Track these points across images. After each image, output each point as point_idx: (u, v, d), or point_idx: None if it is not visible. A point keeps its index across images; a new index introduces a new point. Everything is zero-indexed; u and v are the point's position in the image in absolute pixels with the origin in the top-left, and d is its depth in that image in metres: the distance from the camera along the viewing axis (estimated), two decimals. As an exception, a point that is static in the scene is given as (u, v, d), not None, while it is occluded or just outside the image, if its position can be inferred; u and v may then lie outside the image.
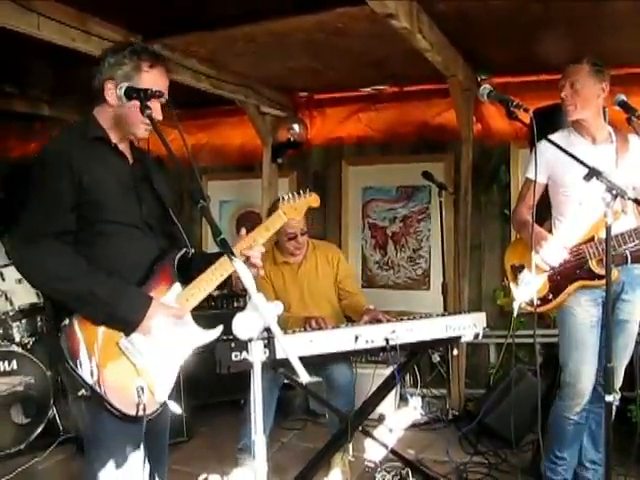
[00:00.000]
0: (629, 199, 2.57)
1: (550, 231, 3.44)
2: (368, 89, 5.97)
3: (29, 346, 5.03)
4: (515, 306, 3.44)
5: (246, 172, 6.71)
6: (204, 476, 4.08)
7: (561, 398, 3.46)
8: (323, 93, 6.27)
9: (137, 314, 2.25)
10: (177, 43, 4.51)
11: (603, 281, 3.19)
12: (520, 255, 3.52)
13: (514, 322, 4.25)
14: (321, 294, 4.25)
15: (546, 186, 3.50)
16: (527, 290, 3.41)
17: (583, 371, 3.33)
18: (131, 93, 2.28)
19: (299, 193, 2.74)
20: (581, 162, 2.64)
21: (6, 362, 4.60)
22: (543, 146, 3.25)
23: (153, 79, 2.35)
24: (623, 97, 2.96)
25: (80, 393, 2.19)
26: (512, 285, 3.53)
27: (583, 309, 3.34)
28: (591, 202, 3.11)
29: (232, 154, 6.79)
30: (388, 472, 3.91)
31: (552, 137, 3.32)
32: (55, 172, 2.23)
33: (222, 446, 4.40)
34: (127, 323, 2.25)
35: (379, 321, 3.75)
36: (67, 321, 2.19)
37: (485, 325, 3.74)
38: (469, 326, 3.66)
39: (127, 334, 2.25)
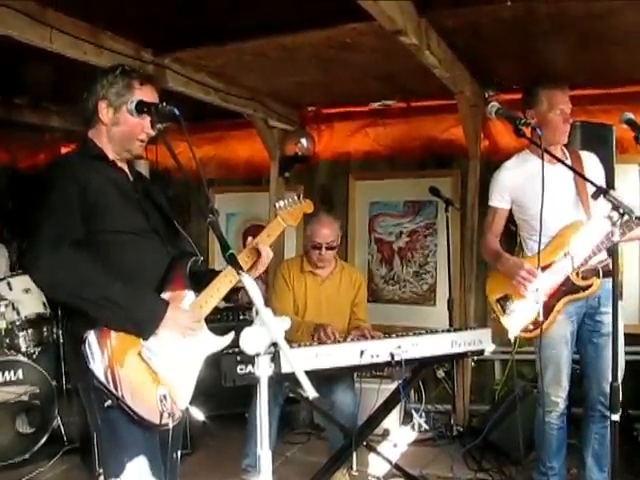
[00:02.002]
0: (637, 218, 2.60)
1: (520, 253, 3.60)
2: (376, 104, 5.98)
3: (35, 356, 5.06)
4: (512, 338, 3.52)
5: (253, 185, 6.73)
6: (208, 489, 4.09)
7: (540, 405, 3.56)
8: (331, 107, 6.29)
9: (155, 319, 2.28)
10: (187, 57, 4.55)
11: (588, 291, 3.38)
12: (501, 285, 3.56)
13: (518, 339, 4.25)
14: (337, 310, 4.26)
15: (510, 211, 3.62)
16: (517, 319, 3.48)
17: (557, 381, 3.45)
18: (142, 107, 2.33)
19: (294, 200, 2.78)
20: (589, 181, 2.71)
21: (12, 371, 4.62)
22: (502, 173, 3.56)
23: (144, 96, 2.42)
24: (631, 115, 2.99)
25: (107, 404, 2.21)
26: (502, 319, 3.55)
27: (558, 324, 3.41)
28: (559, 217, 3.29)
29: (239, 167, 6.82)
30: (392, 487, 3.90)
31: (509, 163, 3.50)
32: (62, 185, 2.27)
33: (226, 459, 4.39)
34: (145, 328, 2.28)
35: (364, 337, 3.79)
36: (88, 333, 2.20)
37: (491, 341, 3.74)
38: (485, 341, 3.66)
39: (145, 338, 2.27)
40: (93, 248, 2.28)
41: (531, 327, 3.43)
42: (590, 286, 3.36)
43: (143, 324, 2.28)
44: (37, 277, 2.25)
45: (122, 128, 2.43)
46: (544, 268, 3.31)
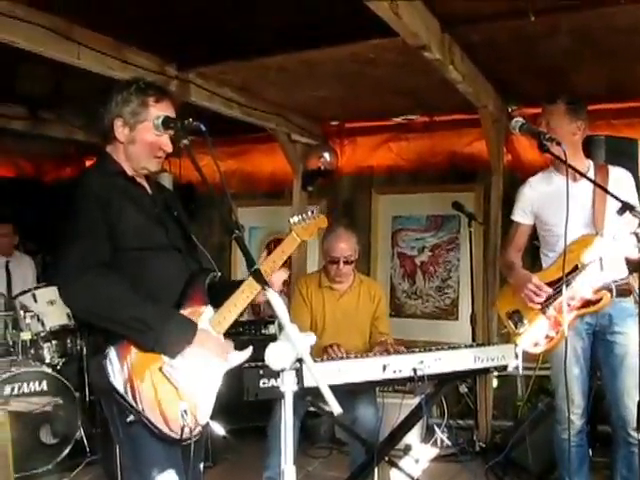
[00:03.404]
0: None
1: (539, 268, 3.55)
2: (399, 118, 6.00)
3: (59, 367, 5.10)
4: (519, 352, 3.52)
5: (276, 199, 6.75)
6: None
7: (557, 421, 3.54)
8: (354, 122, 6.32)
9: (183, 341, 2.30)
10: (211, 72, 4.59)
11: (598, 305, 3.34)
12: (512, 300, 3.56)
13: (541, 355, 4.22)
14: (356, 326, 4.23)
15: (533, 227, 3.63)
16: (527, 334, 3.46)
17: (571, 399, 3.38)
18: (168, 123, 2.34)
19: (308, 215, 2.79)
20: (614, 197, 2.70)
21: (37, 382, 4.66)
22: (527, 188, 3.58)
23: (160, 113, 2.41)
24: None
25: (129, 419, 2.23)
26: (512, 334, 3.54)
27: (567, 342, 3.33)
28: (572, 235, 3.23)
29: (262, 181, 6.86)
30: (413, 503, 3.87)
31: (534, 179, 3.48)
32: (86, 207, 2.28)
33: (246, 472, 4.38)
34: (172, 350, 2.28)
35: (388, 352, 3.75)
36: (110, 349, 2.22)
37: (514, 357, 3.72)
38: (508, 356, 3.65)
39: (172, 357, 2.28)
40: (115, 267, 2.29)
41: (541, 342, 3.42)
42: (600, 300, 3.33)
43: (171, 347, 2.28)
44: (67, 301, 2.27)
45: (138, 146, 2.43)
46: (553, 283, 3.32)
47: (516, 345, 3.51)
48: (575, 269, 3.31)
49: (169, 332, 2.26)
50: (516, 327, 3.50)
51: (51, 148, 7.19)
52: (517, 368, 3.68)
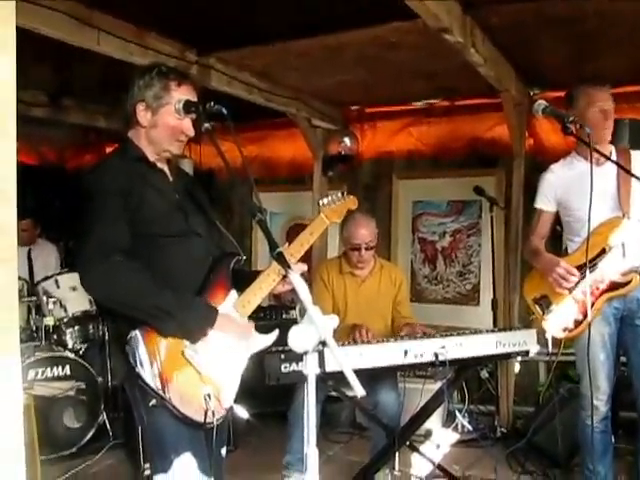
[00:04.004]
0: None
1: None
2: (419, 103, 5.97)
3: (81, 352, 5.15)
4: (549, 338, 3.47)
5: (296, 185, 6.75)
6: (251, 485, 4.12)
7: (582, 407, 3.52)
8: (374, 107, 6.29)
9: (204, 327, 2.30)
10: (231, 57, 4.58)
11: (627, 287, 3.32)
12: (539, 285, 3.53)
13: (563, 340, 4.20)
14: (378, 311, 4.23)
15: (557, 214, 3.60)
16: (556, 319, 3.43)
17: (595, 384, 3.37)
18: (189, 107, 2.35)
19: (338, 196, 2.77)
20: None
21: (60, 367, 4.72)
22: (549, 175, 3.54)
23: (182, 96, 2.41)
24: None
25: (151, 403, 2.24)
26: (541, 319, 3.51)
27: (593, 326, 3.32)
28: (598, 218, 3.22)
29: (283, 167, 6.85)
30: (434, 488, 3.88)
31: (556, 165, 3.45)
32: (106, 193, 2.28)
33: (269, 457, 4.40)
34: (195, 336, 2.30)
35: (416, 334, 3.74)
36: (133, 333, 2.23)
37: (536, 342, 3.70)
38: (530, 342, 3.63)
39: (193, 342, 2.29)
40: (136, 254, 2.29)
41: (571, 327, 3.39)
42: (629, 282, 3.31)
43: (193, 332, 2.30)
44: (88, 289, 2.28)
45: (160, 130, 2.43)
46: (581, 267, 3.28)
47: (544, 331, 3.48)
48: (602, 252, 3.29)
49: (190, 319, 2.28)
50: (544, 312, 3.47)
51: (72, 135, 7.23)
52: (542, 354, 3.67)
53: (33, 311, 5.17)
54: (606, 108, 3.35)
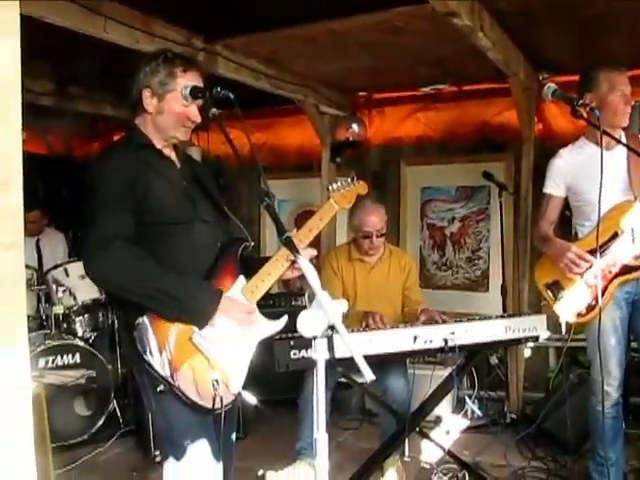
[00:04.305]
0: None
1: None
2: (427, 88, 5.93)
3: (91, 340, 5.18)
4: (563, 325, 3.44)
5: (304, 171, 6.73)
6: (261, 472, 4.12)
7: (593, 393, 3.49)
8: (382, 93, 6.25)
9: (208, 310, 2.30)
10: (238, 43, 4.56)
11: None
12: (550, 271, 3.50)
13: (573, 326, 4.18)
14: (388, 297, 4.22)
15: (565, 199, 3.56)
16: (568, 305, 3.40)
17: (606, 370, 3.33)
18: (196, 93, 2.34)
19: (348, 182, 2.76)
20: None
21: (70, 355, 4.74)
22: (557, 159, 3.49)
23: (188, 83, 2.41)
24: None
25: (159, 389, 2.25)
26: (553, 305, 3.48)
27: (605, 312, 3.29)
28: (609, 202, 3.19)
29: (290, 153, 6.83)
30: (444, 474, 3.88)
31: (565, 150, 3.42)
32: (111, 180, 2.29)
33: (279, 444, 4.42)
34: (199, 319, 2.29)
35: (435, 321, 3.72)
36: (140, 319, 2.24)
37: (546, 328, 3.68)
38: (540, 327, 3.61)
39: (200, 328, 2.29)
40: (141, 241, 2.30)
41: (583, 312, 3.36)
42: None
43: (197, 315, 2.29)
44: (91, 275, 2.28)
45: (166, 116, 2.43)
46: (592, 251, 3.25)
47: (557, 316, 3.46)
48: (615, 236, 3.27)
49: (193, 301, 2.28)
50: (555, 298, 3.45)
51: (80, 124, 7.23)
52: (553, 339, 3.65)
53: (43, 300, 5.18)
54: (627, 93, 3.32)
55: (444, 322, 3.66)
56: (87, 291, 5.12)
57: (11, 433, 1.04)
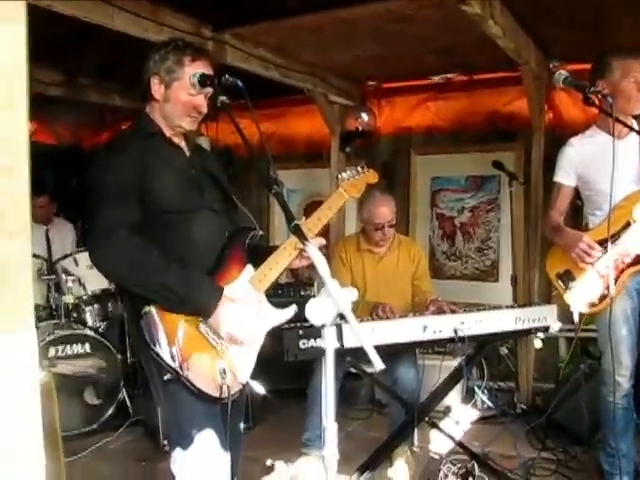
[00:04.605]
0: None
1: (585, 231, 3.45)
2: (437, 78, 5.89)
3: (101, 330, 5.19)
4: (575, 314, 3.40)
5: (313, 161, 6.71)
6: (270, 462, 4.13)
7: (604, 384, 3.46)
8: (391, 82, 6.22)
9: (209, 305, 2.29)
10: (246, 33, 4.54)
11: None
12: (561, 261, 3.47)
13: (584, 316, 4.16)
14: (397, 288, 4.21)
15: (576, 188, 3.53)
16: (580, 295, 3.37)
17: (618, 360, 3.32)
18: (205, 80, 2.33)
19: (357, 170, 2.75)
20: None
21: (79, 345, 4.76)
22: (568, 148, 3.46)
23: (195, 71, 2.40)
24: None
25: (166, 378, 2.25)
26: (564, 295, 3.46)
27: (617, 302, 3.27)
28: (620, 191, 3.16)
29: (300, 143, 6.81)
30: (454, 464, 3.85)
31: (575, 138, 3.38)
32: (117, 168, 2.29)
33: (287, 434, 4.41)
34: (200, 313, 2.30)
35: (444, 312, 3.70)
36: (147, 308, 2.24)
37: (557, 318, 3.67)
38: (550, 318, 3.59)
39: (205, 319, 2.30)
40: (148, 230, 2.30)
41: (596, 302, 3.34)
42: None
43: (198, 311, 2.30)
44: (95, 264, 2.29)
45: (173, 104, 2.44)
46: (604, 241, 3.23)
47: (568, 306, 3.44)
48: (627, 225, 3.24)
49: (194, 297, 2.27)
50: (567, 287, 3.42)
51: (89, 114, 7.24)
52: (564, 330, 3.62)
53: (52, 289, 5.19)
54: None
55: (453, 312, 3.64)
56: (97, 281, 5.12)
57: (17, 421, 1.03)
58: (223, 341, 2.31)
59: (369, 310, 3.87)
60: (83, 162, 6.68)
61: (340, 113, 6.17)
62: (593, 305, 3.33)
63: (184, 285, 2.26)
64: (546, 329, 3.65)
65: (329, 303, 1.77)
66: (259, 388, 2.40)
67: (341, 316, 1.80)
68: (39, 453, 1.09)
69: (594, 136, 3.41)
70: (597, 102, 2.81)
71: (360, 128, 6.03)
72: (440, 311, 3.73)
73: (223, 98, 2.26)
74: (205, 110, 2.46)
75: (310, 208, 6.50)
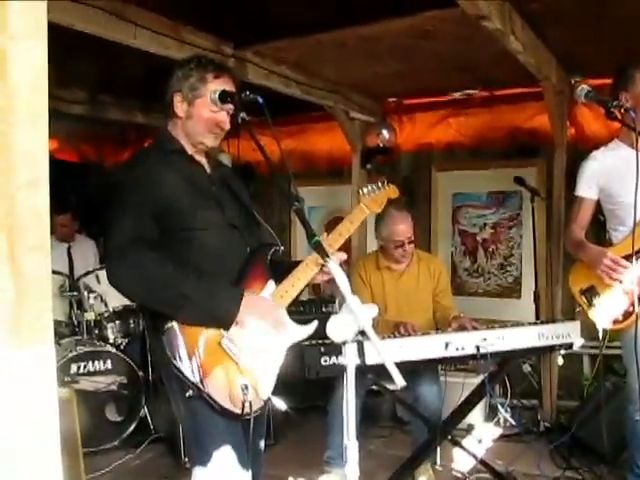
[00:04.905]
0: None
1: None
2: (458, 94, 5.89)
3: (122, 347, 5.20)
4: (600, 331, 3.35)
5: (335, 178, 6.71)
6: (291, 479, 4.11)
7: (629, 401, 3.41)
8: (412, 98, 6.22)
9: (231, 309, 2.29)
10: (267, 50, 4.56)
11: None
12: (585, 277, 3.42)
13: (607, 333, 4.11)
14: (419, 304, 4.20)
15: (597, 202, 3.48)
16: (605, 311, 3.32)
17: None
18: (225, 97, 2.34)
19: (378, 186, 2.75)
20: None
21: (101, 361, 4.78)
22: (591, 161, 3.41)
23: (217, 88, 2.40)
24: None
25: (187, 394, 2.24)
26: (588, 312, 3.41)
27: None
28: None
29: (321, 160, 6.81)
30: (477, 483, 3.82)
31: (598, 152, 3.35)
32: (135, 185, 2.30)
33: (308, 451, 4.40)
34: (223, 319, 2.29)
35: (466, 329, 3.67)
36: (169, 324, 2.23)
37: (580, 335, 3.62)
38: (573, 334, 3.55)
39: (226, 329, 2.28)
40: (167, 247, 2.30)
41: (620, 318, 3.29)
42: None
43: (221, 316, 2.29)
44: (112, 284, 2.29)
45: (195, 121, 2.44)
46: (629, 257, 3.19)
47: (593, 322, 3.38)
48: None
49: (213, 300, 2.27)
50: (590, 304, 3.38)
51: (111, 132, 7.30)
52: (587, 347, 3.56)
53: (75, 306, 5.22)
54: None
55: (475, 329, 3.61)
56: (118, 297, 5.12)
57: (36, 436, 1.03)
58: (246, 356, 2.30)
59: (390, 329, 3.85)
60: (105, 180, 6.74)
61: (361, 129, 6.17)
62: (617, 322, 3.29)
63: (203, 292, 2.26)
64: (570, 346, 3.61)
65: (350, 320, 1.76)
66: (281, 404, 2.39)
67: (362, 333, 1.79)
68: (57, 469, 1.08)
69: (616, 149, 3.37)
70: (619, 116, 2.78)
71: (381, 144, 6.02)
72: (462, 328, 3.70)
73: (243, 114, 2.27)
74: (227, 127, 2.46)
75: (332, 225, 6.47)
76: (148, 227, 2.27)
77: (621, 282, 3.22)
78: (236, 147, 6.36)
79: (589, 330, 3.54)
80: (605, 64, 4.60)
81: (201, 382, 2.21)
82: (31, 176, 0.99)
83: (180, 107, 2.44)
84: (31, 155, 1.00)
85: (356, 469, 1.86)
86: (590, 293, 3.39)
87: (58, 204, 5.97)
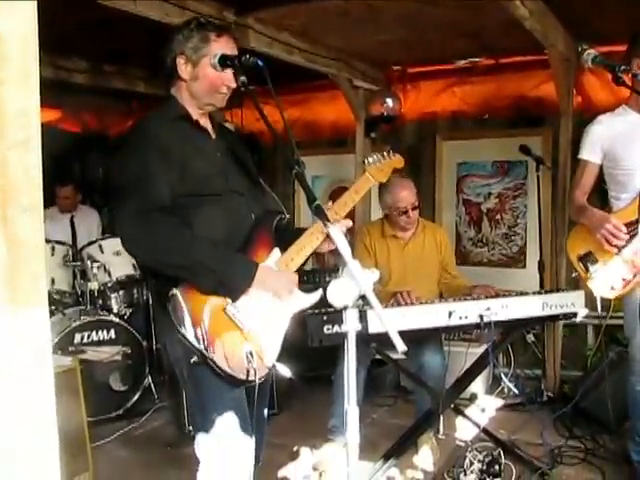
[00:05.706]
0: None
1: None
2: (463, 62, 5.82)
3: (126, 316, 5.21)
4: (598, 299, 3.32)
5: (339, 147, 6.68)
6: (295, 448, 4.12)
7: (632, 372, 3.41)
8: (417, 66, 6.16)
9: (245, 281, 2.28)
10: (270, 16, 4.49)
11: None
12: (583, 242, 3.37)
13: (612, 303, 4.09)
14: (423, 272, 4.18)
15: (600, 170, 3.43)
16: (602, 278, 3.27)
17: None
18: (225, 61, 2.31)
19: (383, 155, 2.72)
20: None
21: (105, 331, 4.79)
22: (596, 125, 3.36)
23: (221, 48, 2.38)
24: None
25: (192, 360, 2.24)
26: (584, 278, 3.37)
27: None
28: None
29: (324, 129, 6.78)
30: (479, 452, 3.81)
31: (603, 116, 3.30)
32: (144, 152, 2.28)
33: (312, 420, 4.41)
34: (235, 290, 2.28)
35: (490, 295, 3.67)
36: (174, 291, 2.22)
37: (584, 304, 3.60)
38: (577, 304, 3.53)
39: (234, 300, 2.28)
40: (175, 213, 2.28)
41: (618, 286, 3.24)
42: None
43: (234, 287, 2.28)
44: (127, 248, 2.29)
45: (202, 82, 2.41)
46: (630, 224, 3.16)
47: (589, 289, 3.36)
48: None
49: (230, 273, 2.26)
50: (587, 270, 3.34)
51: (114, 101, 7.25)
52: (590, 316, 3.55)
53: (78, 276, 5.23)
54: None
55: (497, 295, 3.64)
56: (122, 267, 5.15)
57: (33, 402, 1.02)
58: (250, 323, 2.29)
59: (388, 300, 3.83)
60: (109, 149, 6.72)
61: (365, 98, 6.12)
62: (615, 289, 3.24)
63: (218, 261, 2.25)
64: (573, 315, 3.59)
65: (351, 285, 1.74)
66: (286, 371, 2.39)
67: (363, 297, 1.77)
68: (53, 434, 1.08)
69: (624, 114, 3.33)
70: (628, 81, 2.74)
71: (385, 113, 5.97)
72: (486, 294, 3.70)
73: (243, 78, 2.24)
74: (234, 85, 2.41)
75: (335, 194, 6.45)
76: (160, 193, 2.26)
77: (619, 249, 3.18)
78: (239, 117, 6.32)
79: (590, 299, 3.51)
80: (613, 31, 4.55)
81: (205, 348, 2.20)
82: (22, 136, 0.97)
83: (184, 69, 2.41)
84: (24, 115, 0.98)
85: (356, 434, 1.85)
86: (587, 259, 3.34)
87: (60, 175, 5.96)
